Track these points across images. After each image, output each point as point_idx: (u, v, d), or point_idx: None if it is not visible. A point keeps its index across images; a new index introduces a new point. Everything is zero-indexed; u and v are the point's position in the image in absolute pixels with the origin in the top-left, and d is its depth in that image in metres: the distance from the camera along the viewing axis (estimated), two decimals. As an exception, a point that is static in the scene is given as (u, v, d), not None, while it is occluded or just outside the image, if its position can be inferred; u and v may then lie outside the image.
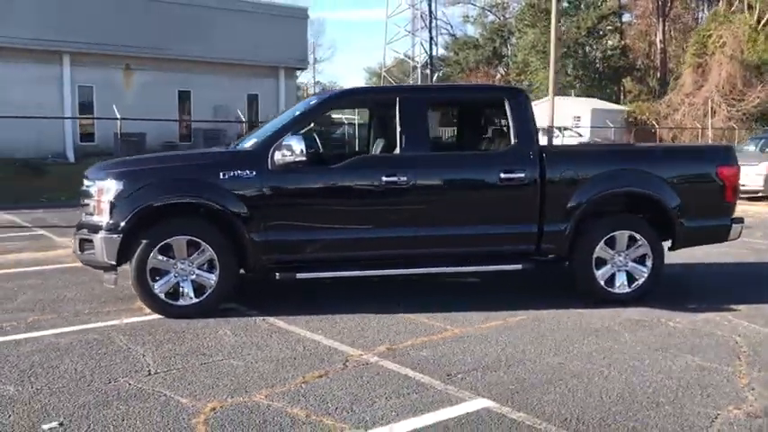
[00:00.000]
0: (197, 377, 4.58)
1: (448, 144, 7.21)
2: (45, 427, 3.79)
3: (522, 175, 6.32)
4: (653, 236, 6.59)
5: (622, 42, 56.42)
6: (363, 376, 4.62)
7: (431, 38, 66.29)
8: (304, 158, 5.88)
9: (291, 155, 5.90)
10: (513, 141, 6.43)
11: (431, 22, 65.88)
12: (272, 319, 5.93)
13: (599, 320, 6.03)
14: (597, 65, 56.52)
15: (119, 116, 17.54)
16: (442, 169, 6.33)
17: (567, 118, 44.01)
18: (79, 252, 6.17)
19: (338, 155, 7.26)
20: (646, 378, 4.63)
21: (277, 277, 6.11)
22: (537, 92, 56.60)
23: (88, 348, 5.14)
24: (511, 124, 6.44)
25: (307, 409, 4.07)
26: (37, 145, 21.81)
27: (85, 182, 6.23)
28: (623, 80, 56.59)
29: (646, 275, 6.57)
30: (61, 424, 3.83)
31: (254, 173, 5.99)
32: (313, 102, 6.48)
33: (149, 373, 4.65)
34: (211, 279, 5.98)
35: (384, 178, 6.11)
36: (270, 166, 5.99)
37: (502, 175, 6.29)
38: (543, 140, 33.54)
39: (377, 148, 7.08)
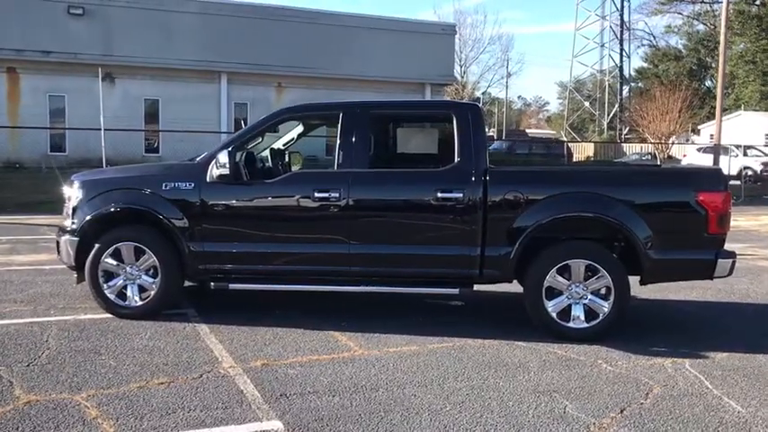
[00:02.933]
0: (60, 372, 4.92)
1: (390, 161, 6.96)
2: None
3: (460, 195, 5.98)
4: (615, 267, 5.91)
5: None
6: (200, 387, 4.69)
7: (621, 49, 63.27)
8: (226, 172, 6.06)
9: (220, 168, 6.11)
10: (456, 159, 6.11)
11: (622, 34, 62.83)
12: (201, 327, 6.17)
13: (523, 355, 5.54)
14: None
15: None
16: (376, 186, 6.19)
17: (761, 135, 39.72)
18: (56, 253, 6.85)
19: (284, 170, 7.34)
20: (474, 421, 4.22)
21: (212, 286, 6.35)
22: (745, 106, 51.70)
23: (10, 337, 5.72)
24: (456, 141, 6.13)
25: (104, 411, 4.24)
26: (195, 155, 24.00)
27: (64, 187, 6.91)
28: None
29: (607, 311, 5.91)
30: None
31: (193, 185, 6.28)
32: (260, 119, 6.64)
33: (28, 364, 5.09)
34: (154, 284, 6.35)
35: (316, 194, 6.11)
36: (207, 179, 6.25)
37: (439, 194, 6.01)
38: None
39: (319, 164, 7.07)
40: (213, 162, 6.19)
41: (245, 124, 21.81)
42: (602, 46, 64.28)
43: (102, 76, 23.44)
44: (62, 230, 6.63)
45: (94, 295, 6.45)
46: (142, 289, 6.40)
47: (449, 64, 31.34)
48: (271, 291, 6.63)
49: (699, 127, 51.02)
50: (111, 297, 6.40)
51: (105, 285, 6.38)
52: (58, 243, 6.72)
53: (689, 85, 55.85)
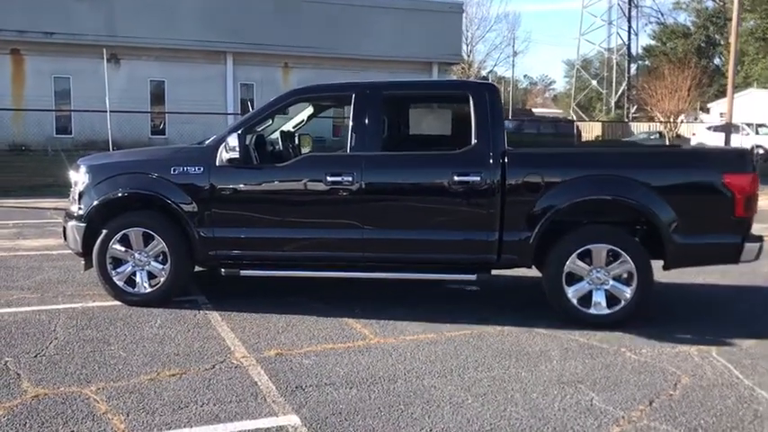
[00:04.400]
0: (68, 363, 4.78)
1: (405, 143, 6.77)
2: None
3: (478, 178, 5.79)
4: (639, 252, 5.73)
5: None
6: (213, 379, 4.55)
7: (629, 27, 62.50)
8: (236, 155, 5.89)
9: (230, 152, 5.93)
10: (473, 141, 5.91)
11: (630, 11, 62.05)
12: (212, 314, 6.03)
13: (543, 343, 5.38)
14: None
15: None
16: (390, 170, 6.00)
17: (776, 114, 39.19)
18: (63, 239, 6.70)
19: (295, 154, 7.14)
20: (498, 415, 4.07)
21: (222, 273, 6.19)
22: (756, 83, 51.02)
23: (17, 326, 5.58)
24: (473, 122, 5.93)
25: (114, 406, 4.10)
26: (202, 138, 23.80)
27: (70, 172, 6.75)
28: None
29: (629, 297, 5.74)
30: None
31: (202, 169, 6.11)
32: (270, 101, 6.44)
33: (36, 355, 4.96)
34: (164, 270, 6.20)
35: (329, 178, 5.93)
36: (217, 163, 6.08)
37: (455, 178, 5.81)
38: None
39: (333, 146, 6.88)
40: (222, 145, 6.02)
41: (252, 105, 21.49)
42: (610, 24, 63.53)
43: (108, 58, 23.30)
44: (69, 216, 6.48)
45: (102, 282, 6.30)
46: (151, 275, 6.26)
47: (456, 43, 30.94)
48: (282, 277, 6.48)
49: (708, 105, 50.47)
50: (120, 284, 6.25)
51: (114, 272, 6.23)
52: (64, 229, 6.57)
53: (697, 63, 55.19)
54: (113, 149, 18.09)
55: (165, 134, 25.36)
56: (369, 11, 26.81)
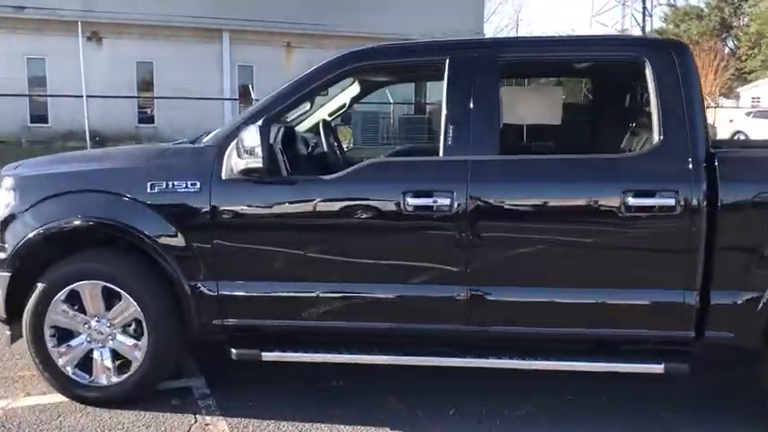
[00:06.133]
0: None
1: (534, 141, 4.40)
2: None
3: (671, 200, 3.39)
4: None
5: None
6: None
7: (644, 8, 59.95)
8: (258, 163, 3.47)
9: (246, 157, 3.52)
10: (656, 138, 3.51)
11: (644, -8, 59.50)
12: (215, 422, 3.65)
13: None
14: None
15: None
16: (514, 185, 3.57)
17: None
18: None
19: (344, 158, 4.71)
20: None
21: (233, 355, 3.79)
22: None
23: None
24: (655, 106, 3.53)
25: None
26: (196, 127, 21.33)
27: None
28: None
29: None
30: None
31: (198, 185, 3.69)
32: (309, 71, 3.99)
33: None
34: (138, 349, 3.82)
35: (411, 200, 3.53)
36: (223, 174, 3.67)
37: (630, 200, 3.40)
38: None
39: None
40: (233, 145, 3.61)
41: (253, 90, 18.83)
42: (624, 5, 60.97)
43: (88, 36, 20.70)
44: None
45: (39, 367, 3.91)
46: (118, 356, 3.88)
47: (478, 18, 28.02)
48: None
49: (739, 90, 47.88)
50: (67, 370, 3.88)
51: (57, 350, 3.86)
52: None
53: (713, 47, 52.55)
54: (92, 144, 15.62)
55: (154, 122, 22.79)
56: (379, -16, 24.17)
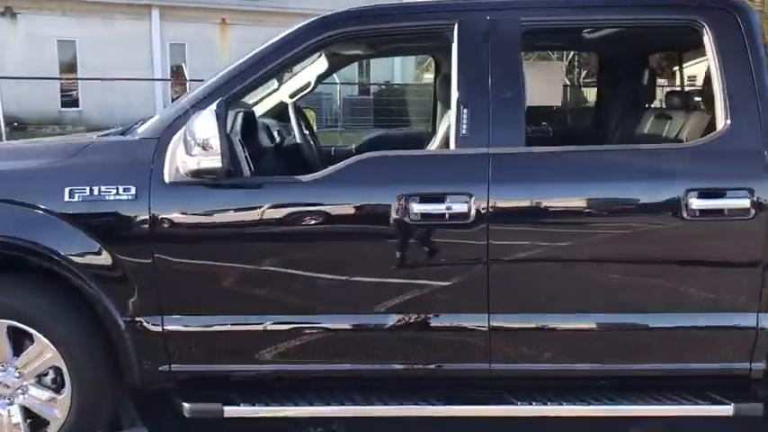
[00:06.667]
0: None
1: (569, 129, 3.68)
2: None
3: (745, 200, 2.69)
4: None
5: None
6: None
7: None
8: (216, 162, 2.60)
9: (200, 152, 2.64)
10: (721, 122, 2.80)
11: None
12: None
13: None
14: None
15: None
16: (546, 186, 2.79)
17: None
18: None
19: (320, 152, 3.87)
20: None
21: (186, 412, 2.92)
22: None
23: None
24: (717, 83, 2.81)
25: None
26: (125, 110, 19.93)
27: None
28: None
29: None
30: None
31: (134, 190, 2.79)
32: (276, 39, 3.11)
33: None
34: (56, 405, 2.92)
35: (416, 206, 2.72)
36: (166, 176, 2.78)
37: (693, 201, 2.69)
38: None
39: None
40: (179, 137, 2.72)
41: (186, 69, 17.51)
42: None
43: (1, 11, 19.03)
44: None
45: (-75, 432, 2.97)
46: (31, 414, 2.97)
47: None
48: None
49: None
50: (-37, 435, 2.95)
51: (-53, 410, 2.93)
52: None
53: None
54: (8, 131, 14.14)
55: (78, 106, 21.20)
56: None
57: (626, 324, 2.81)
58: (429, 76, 34.83)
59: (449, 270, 2.80)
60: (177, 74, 20.77)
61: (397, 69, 25.31)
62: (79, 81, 20.78)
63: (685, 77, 4.18)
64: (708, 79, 2.99)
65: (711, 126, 3.11)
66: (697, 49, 2.89)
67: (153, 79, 20.78)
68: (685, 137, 3.46)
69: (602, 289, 2.81)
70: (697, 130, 3.41)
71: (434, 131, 4.37)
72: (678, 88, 4.07)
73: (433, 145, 4.01)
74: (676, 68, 3.93)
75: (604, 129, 4.23)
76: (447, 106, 4.10)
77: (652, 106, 4.08)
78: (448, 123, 3.95)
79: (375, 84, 23.19)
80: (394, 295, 2.81)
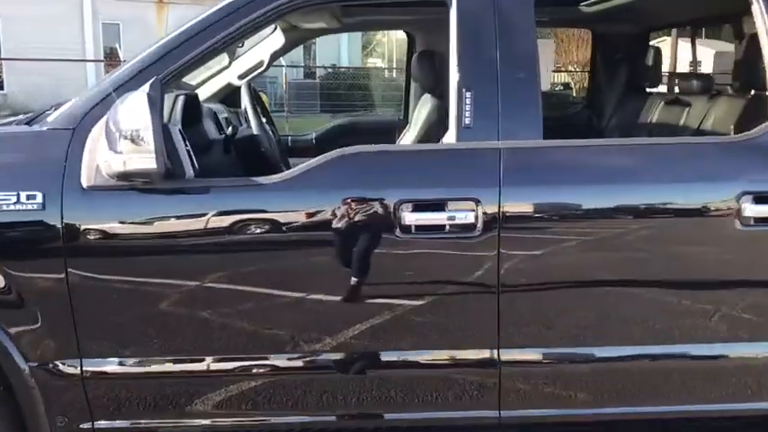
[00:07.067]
0: None
1: (593, 120, 3.18)
2: None
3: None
4: None
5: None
6: None
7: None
8: (150, 163, 1.97)
9: (128, 149, 2.00)
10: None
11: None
12: None
13: None
14: None
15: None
16: (571, 189, 2.25)
17: None
18: None
19: (280, 145, 3.28)
20: None
21: (114, 478, 2.29)
22: None
23: None
24: (770, 60, 2.32)
25: None
26: (54, 94, 18.67)
27: None
28: None
29: None
30: None
31: (41, 198, 2.12)
32: (225, 4, 2.46)
33: None
34: (-55, 475, 2.26)
35: (408, 217, 2.14)
36: (84, 179, 2.13)
37: (747, 207, 2.19)
38: None
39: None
40: (101, 128, 2.08)
41: (121, 51, 16.41)
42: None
43: None
44: None
45: None
46: None
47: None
48: None
49: None
50: None
51: None
52: None
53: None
54: None
55: (2, 89, 19.81)
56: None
57: (689, 355, 2.30)
58: (374, 60, 34.11)
59: (449, 295, 2.25)
60: (111, 56, 19.62)
61: (344, 52, 24.62)
62: (3, 62, 19.40)
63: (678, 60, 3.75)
64: (750, 58, 2.49)
65: (748, 114, 2.62)
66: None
67: (83, 60, 19.53)
68: (710, 126, 2.99)
69: (646, 315, 2.29)
70: (726, 119, 2.94)
71: (407, 120, 3.82)
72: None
73: (409, 135, 3.46)
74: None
75: (598, 116, 3.74)
76: (425, 89, 3.55)
77: (656, 91, 3.62)
78: (426, 110, 3.41)
79: (321, 66, 22.42)
80: (376, 327, 2.23)
